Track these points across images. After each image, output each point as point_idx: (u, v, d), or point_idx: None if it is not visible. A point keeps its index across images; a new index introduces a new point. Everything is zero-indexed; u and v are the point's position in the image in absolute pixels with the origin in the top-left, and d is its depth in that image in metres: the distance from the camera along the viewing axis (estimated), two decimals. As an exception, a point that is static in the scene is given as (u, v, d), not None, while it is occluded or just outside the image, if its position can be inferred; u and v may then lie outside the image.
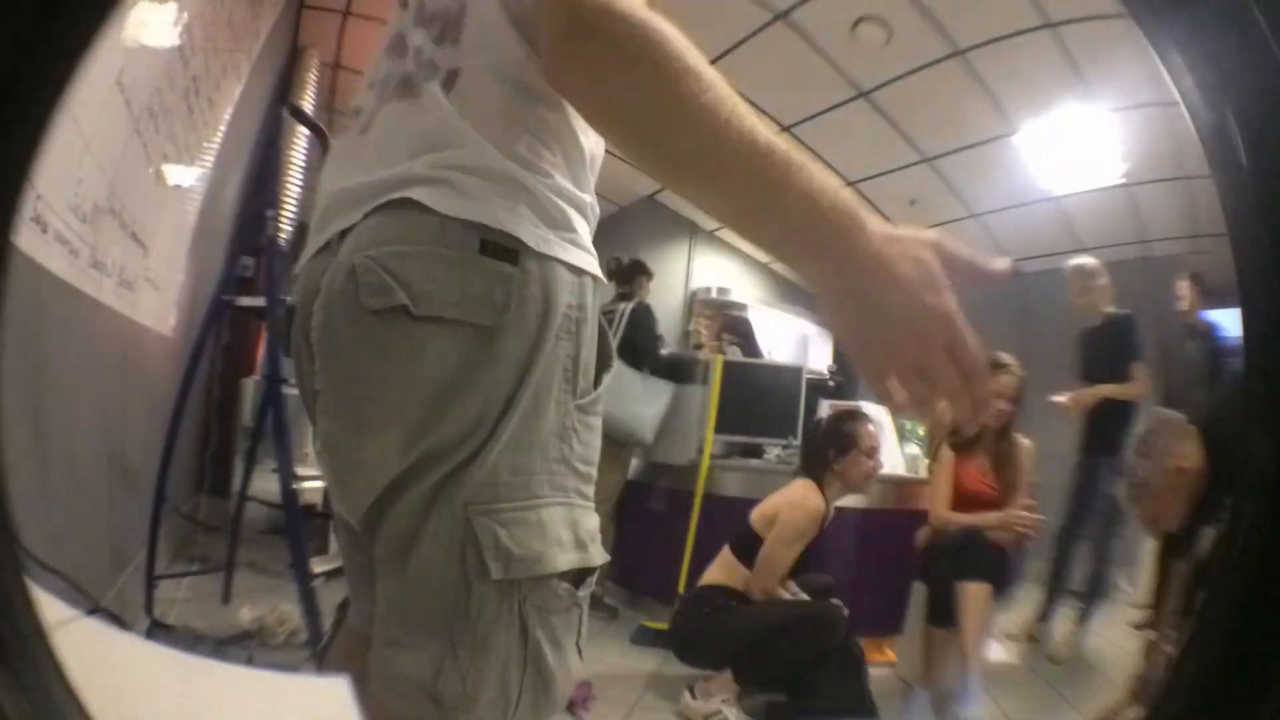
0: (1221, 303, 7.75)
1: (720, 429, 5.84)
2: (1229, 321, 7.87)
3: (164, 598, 4.20)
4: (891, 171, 7.82)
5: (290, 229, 5.67)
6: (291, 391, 4.12)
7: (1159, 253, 8.03)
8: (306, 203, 5.74)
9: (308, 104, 6.03)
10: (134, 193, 3.01)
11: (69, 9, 1.11)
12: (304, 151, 5.81)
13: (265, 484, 4.66)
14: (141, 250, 3.32)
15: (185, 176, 3.93)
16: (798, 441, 5.82)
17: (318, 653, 3.30)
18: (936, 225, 8.45)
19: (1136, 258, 8.05)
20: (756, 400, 5.97)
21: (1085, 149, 6.73)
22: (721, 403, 5.84)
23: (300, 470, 4.01)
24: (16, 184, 1.15)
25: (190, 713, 1.86)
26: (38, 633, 1.20)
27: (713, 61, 3.44)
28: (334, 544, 5.49)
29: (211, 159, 4.46)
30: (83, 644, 1.49)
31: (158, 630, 3.82)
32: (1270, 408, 1.12)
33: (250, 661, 3.68)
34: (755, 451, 6.04)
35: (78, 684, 1.22)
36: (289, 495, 3.74)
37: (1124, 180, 7.03)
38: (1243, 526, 1.12)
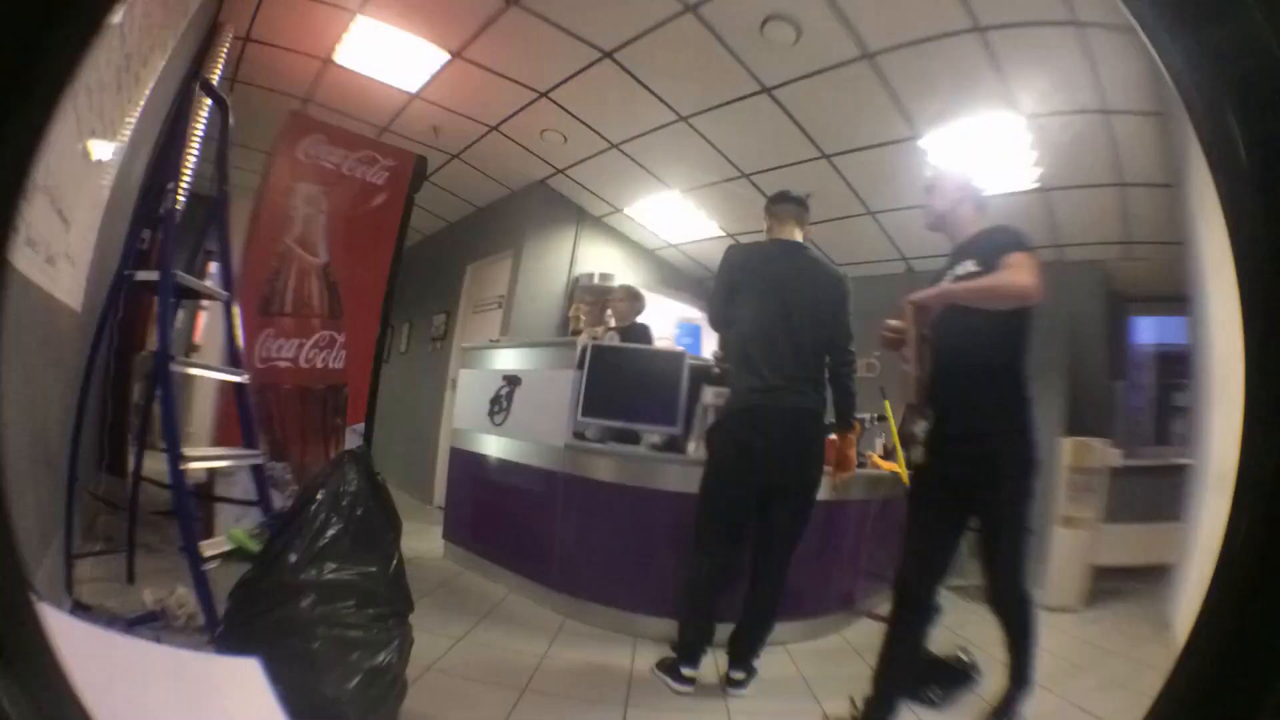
0: (1147, 310, 8.01)
1: (590, 413, 5.99)
2: (1155, 329, 8.15)
3: (78, 577, 4.16)
4: (788, 166, 7.94)
5: (185, 200, 5.60)
6: (181, 369, 4.06)
7: (1073, 257, 8.30)
8: (202, 173, 5.67)
9: (216, 77, 5.91)
10: (64, 169, 2.98)
11: (69, 9, 1.07)
12: (204, 123, 5.72)
13: (159, 463, 4.62)
14: (64, 226, 3.26)
15: (106, 151, 3.85)
16: (678, 429, 5.87)
17: (215, 637, 3.25)
18: (828, 221, 8.60)
19: (1051, 260, 8.28)
20: (633, 386, 6.02)
21: (995, 154, 6.87)
22: (592, 387, 6.03)
23: (187, 450, 3.91)
24: (17, 182, 1.11)
25: (189, 712, 1.86)
26: (38, 633, 1.17)
27: (617, 49, 3.49)
28: (219, 527, 5.45)
29: (129, 133, 4.36)
30: (82, 644, 1.47)
31: (79, 610, 3.75)
32: (1270, 408, 1.13)
33: (159, 643, 3.60)
34: (632, 438, 6.11)
35: (78, 684, 1.23)
36: (177, 476, 3.65)
37: (1038, 185, 7.18)
38: (1243, 526, 1.12)
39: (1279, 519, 1.09)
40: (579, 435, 6.12)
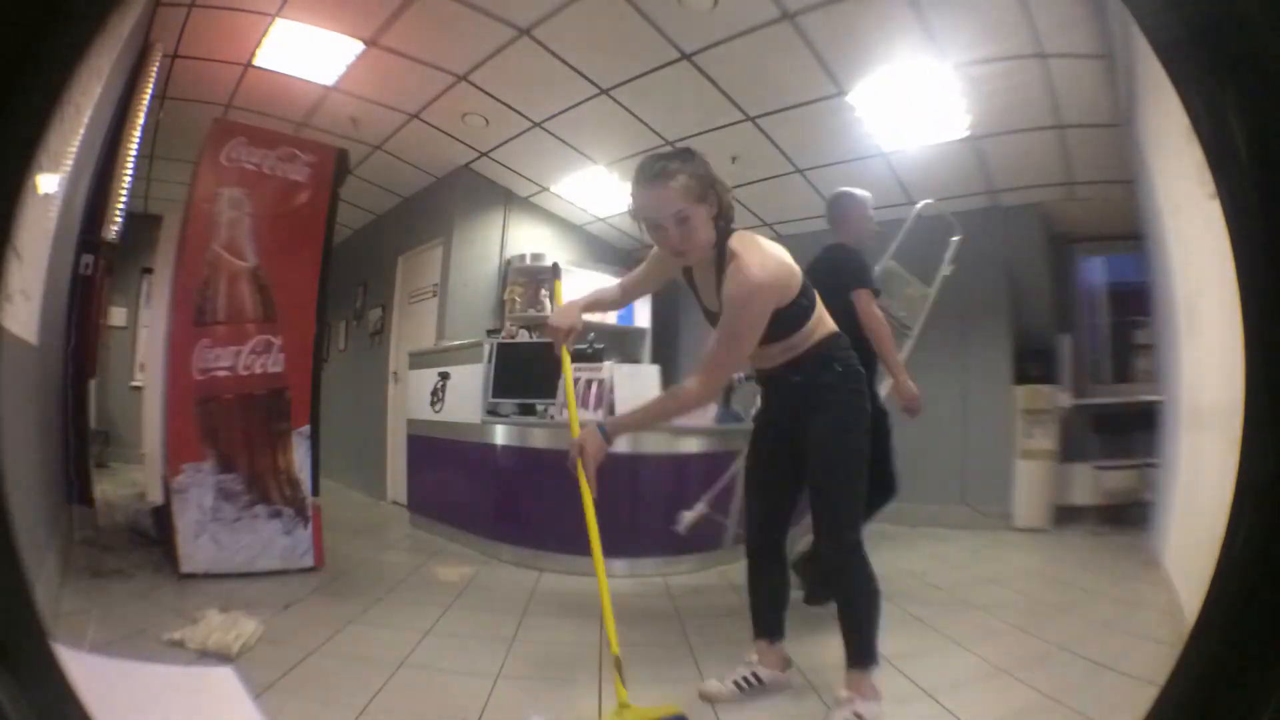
0: (1095, 249, 8.07)
1: (500, 394, 7.46)
2: (1105, 268, 8.23)
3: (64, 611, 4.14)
4: (713, 130, 7.96)
5: (122, 221, 5.50)
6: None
7: (1009, 202, 8.51)
8: (137, 192, 5.59)
9: (146, 95, 5.82)
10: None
11: (69, 9, 1.05)
12: (137, 142, 5.64)
13: (112, 488, 4.56)
14: (19, 262, 3.23)
15: (51, 183, 3.85)
16: (555, 401, 7.18)
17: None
18: (758, 182, 8.60)
19: (986, 207, 8.42)
20: (528, 371, 7.36)
21: (925, 106, 6.94)
22: (500, 374, 7.48)
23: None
24: (18, 179, 1.08)
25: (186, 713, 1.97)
26: (38, 633, 1.29)
27: (534, 25, 3.49)
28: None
29: (70, 163, 4.31)
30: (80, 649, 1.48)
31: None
32: (1270, 408, 1.12)
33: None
34: (530, 410, 7.37)
35: (78, 684, 1.31)
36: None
37: (969, 133, 7.22)
38: (1243, 526, 1.12)
39: (1279, 519, 1.09)
40: (491, 412, 7.43)
